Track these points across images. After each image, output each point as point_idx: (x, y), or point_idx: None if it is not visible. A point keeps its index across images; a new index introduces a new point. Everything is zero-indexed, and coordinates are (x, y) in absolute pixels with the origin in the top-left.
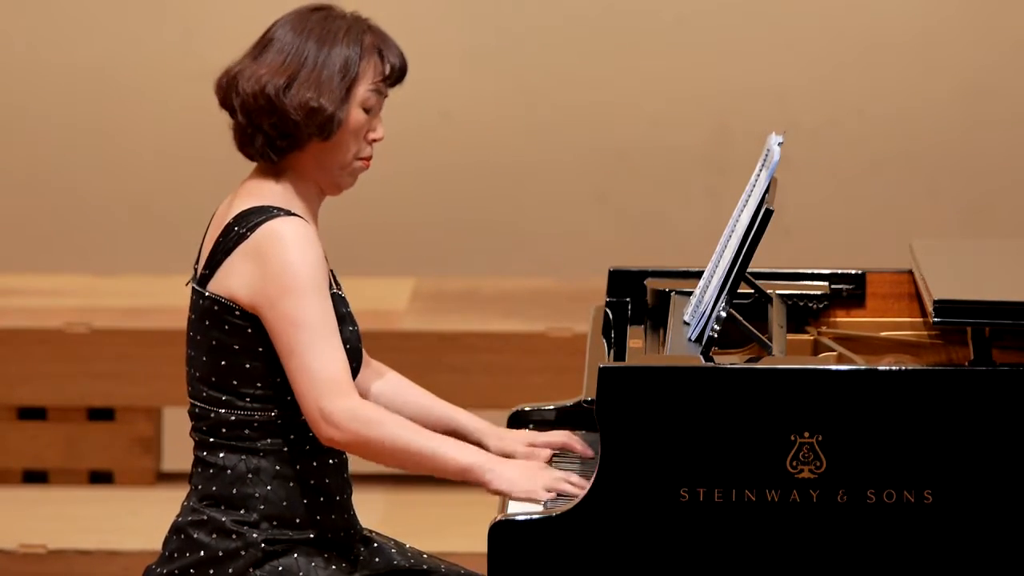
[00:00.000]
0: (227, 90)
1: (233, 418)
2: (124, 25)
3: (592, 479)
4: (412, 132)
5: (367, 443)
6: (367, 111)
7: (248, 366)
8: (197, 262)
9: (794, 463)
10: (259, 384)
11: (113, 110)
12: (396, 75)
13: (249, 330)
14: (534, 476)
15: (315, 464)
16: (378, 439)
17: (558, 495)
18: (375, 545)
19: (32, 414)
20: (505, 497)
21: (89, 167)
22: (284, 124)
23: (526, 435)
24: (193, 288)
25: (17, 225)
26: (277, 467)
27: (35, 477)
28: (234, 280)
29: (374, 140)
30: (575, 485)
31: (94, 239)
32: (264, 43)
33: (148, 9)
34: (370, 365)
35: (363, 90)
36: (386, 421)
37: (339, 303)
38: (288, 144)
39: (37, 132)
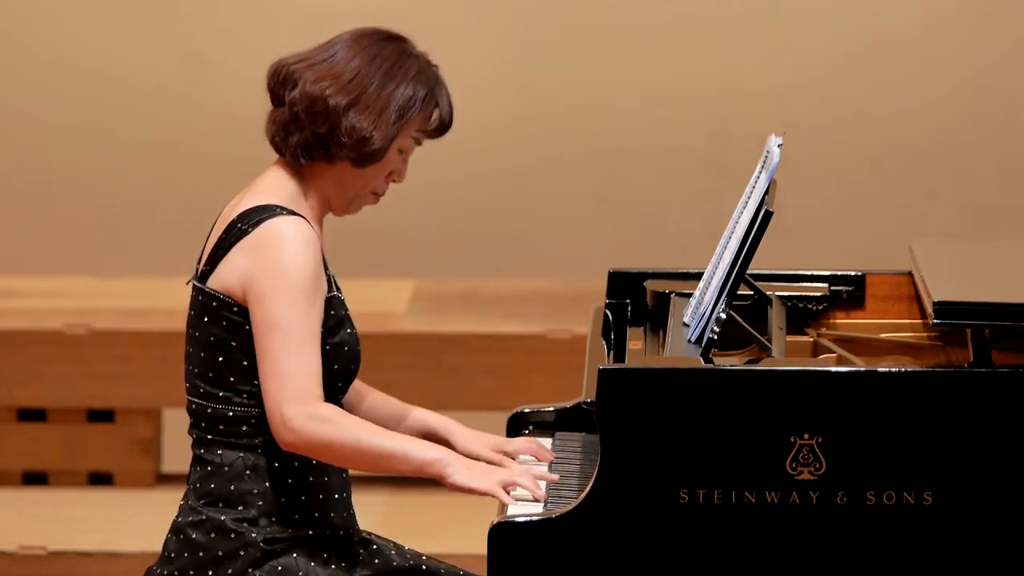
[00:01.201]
0: (282, 82)
1: (231, 414)
2: (124, 25)
3: (591, 480)
4: None
5: (322, 445)
6: (400, 152)
7: (245, 363)
8: (199, 260)
9: (794, 464)
10: (256, 381)
11: (113, 111)
12: (441, 131)
13: (247, 327)
14: (489, 473)
15: (314, 461)
16: (335, 440)
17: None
18: (374, 547)
19: (32, 415)
20: (463, 492)
21: (89, 168)
22: (328, 138)
23: (494, 440)
24: (193, 285)
25: (17, 226)
26: (275, 463)
27: (35, 478)
28: (231, 274)
29: (393, 180)
30: (531, 483)
31: (94, 240)
32: (331, 52)
33: (148, 9)
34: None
35: (408, 135)
36: (343, 422)
37: (338, 306)
38: (321, 154)
39: (37, 133)
